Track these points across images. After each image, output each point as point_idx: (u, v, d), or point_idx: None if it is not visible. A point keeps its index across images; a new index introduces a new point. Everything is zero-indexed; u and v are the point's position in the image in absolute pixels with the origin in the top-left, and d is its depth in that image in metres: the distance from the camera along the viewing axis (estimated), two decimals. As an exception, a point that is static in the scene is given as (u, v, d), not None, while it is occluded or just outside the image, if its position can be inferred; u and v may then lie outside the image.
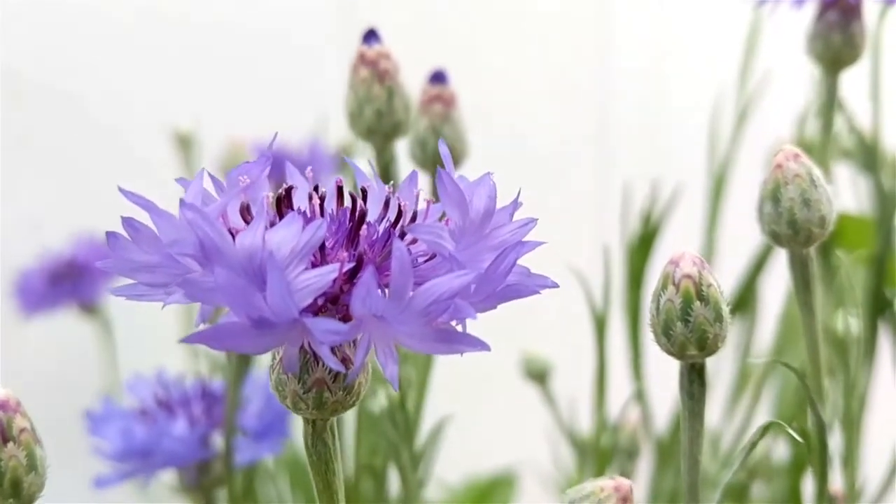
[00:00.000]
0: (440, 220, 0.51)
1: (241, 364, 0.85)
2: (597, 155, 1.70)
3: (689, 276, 0.57)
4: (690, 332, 0.57)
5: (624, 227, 1.08)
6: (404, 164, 0.82)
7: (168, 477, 0.95)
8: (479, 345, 0.45)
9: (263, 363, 0.95)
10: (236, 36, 1.55)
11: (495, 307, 0.47)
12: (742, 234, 1.11)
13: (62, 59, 1.47)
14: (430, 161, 0.81)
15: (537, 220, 0.48)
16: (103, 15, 1.48)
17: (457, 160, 0.82)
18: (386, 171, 0.78)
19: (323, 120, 1.28)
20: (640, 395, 1.05)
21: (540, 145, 1.65)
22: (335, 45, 1.51)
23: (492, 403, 1.51)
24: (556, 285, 0.49)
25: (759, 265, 1.13)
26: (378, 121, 0.76)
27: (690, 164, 1.22)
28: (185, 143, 1.28)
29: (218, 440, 0.90)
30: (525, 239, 0.48)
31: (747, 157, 1.15)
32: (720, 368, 1.18)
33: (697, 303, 0.56)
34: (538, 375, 1.13)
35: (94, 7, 1.48)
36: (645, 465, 1.12)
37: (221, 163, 1.20)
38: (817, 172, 0.64)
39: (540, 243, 0.48)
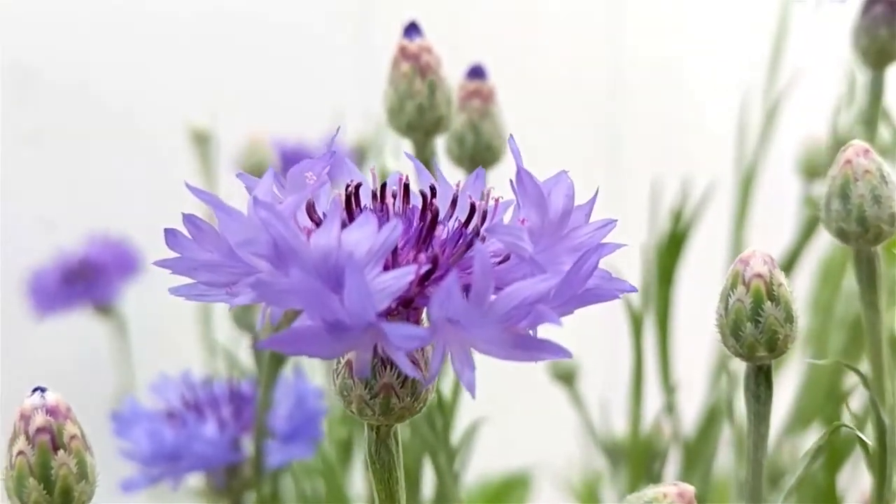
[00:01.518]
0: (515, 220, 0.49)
1: (273, 366, 0.83)
2: (611, 156, 1.69)
3: (759, 276, 0.55)
4: (760, 333, 0.55)
5: (652, 226, 1.07)
6: (440, 160, 0.80)
7: (194, 480, 0.93)
8: (561, 352, 0.44)
9: (292, 365, 0.93)
10: (253, 32, 1.53)
11: (573, 312, 0.46)
12: (770, 232, 1.10)
13: (76, 55, 1.45)
14: (468, 158, 0.80)
15: (617, 221, 0.47)
16: (118, 11, 1.47)
17: (496, 157, 0.80)
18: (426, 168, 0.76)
19: (339, 116, 1.26)
20: (670, 407, 1.03)
21: (554, 145, 1.63)
22: (352, 41, 1.50)
23: (512, 405, 1.50)
24: (634, 289, 0.47)
25: (788, 265, 1.11)
26: (420, 116, 0.74)
27: (714, 163, 1.20)
28: (201, 140, 1.25)
29: (247, 443, 0.88)
30: (604, 241, 0.46)
31: (776, 154, 1.14)
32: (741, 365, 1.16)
33: (768, 303, 0.55)
34: (565, 376, 1.12)
35: (109, 3, 1.46)
36: (671, 468, 1.11)
37: (239, 159, 1.18)
38: (887, 169, 0.62)
39: (619, 245, 0.46)
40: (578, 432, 1.13)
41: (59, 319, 1.37)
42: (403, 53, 0.74)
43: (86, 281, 1.35)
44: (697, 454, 1.11)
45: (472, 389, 0.43)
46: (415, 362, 0.47)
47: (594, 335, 1.22)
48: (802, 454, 0.62)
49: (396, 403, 0.48)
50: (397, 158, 0.87)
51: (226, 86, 1.50)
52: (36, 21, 1.44)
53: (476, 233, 0.47)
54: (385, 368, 0.47)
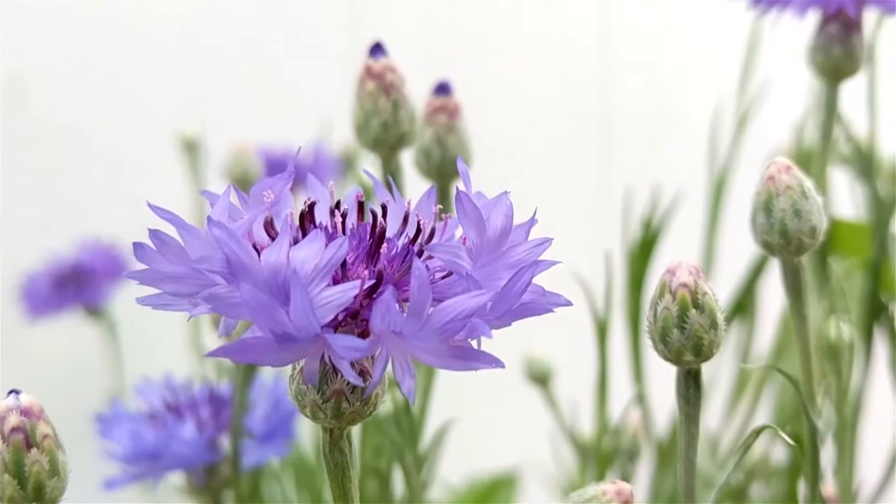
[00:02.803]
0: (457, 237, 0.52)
1: (248, 369, 0.87)
2: (598, 162, 1.72)
3: (685, 285, 0.58)
4: (686, 339, 0.58)
5: (625, 232, 1.10)
6: (409, 174, 0.83)
7: (176, 479, 0.96)
8: (494, 362, 0.47)
9: (269, 368, 0.96)
10: (243, 42, 1.56)
11: (510, 324, 0.49)
12: (741, 239, 1.12)
13: (68, 62, 1.48)
14: (435, 171, 0.82)
15: (552, 240, 0.50)
16: (109, 19, 1.49)
17: (461, 170, 0.83)
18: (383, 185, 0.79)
19: (327, 126, 1.29)
20: (640, 399, 1.07)
21: (541, 153, 1.66)
22: (339, 52, 1.53)
23: (494, 406, 1.53)
24: (569, 303, 0.50)
25: (757, 270, 1.15)
26: (384, 132, 0.78)
27: (691, 171, 1.24)
28: (190, 148, 1.28)
29: (225, 443, 0.91)
30: (540, 258, 0.49)
31: (747, 163, 1.17)
32: (719, 372, 1.19)
33: (693, 311, 0.58)
34: (540, 378, 1.15)
35: (100, 11, 1.49)
36: (645, 467, 1.14)
37: (227, 168, 1.21)
38: (808, 184, 0.65)
39: (554, 262, 0.49)
40: (553, 433, 1.16)
41: (51, 322, 1.40)
42: (369, 73, 0.77)
43: (77, 285, 1.38)
44: (671, 454, 1.14)
45: (411, 396, 0.47)
46: (363, 370, 0.50)
47: (571, 338, 1.25)
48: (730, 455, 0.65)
49: (347, 408, 0.51)
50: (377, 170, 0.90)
51: (215, 94, 1.52)
52: (29, 28, 1.46)
53: (419, 251, 0.51)
54: (336, 375, 0.50)
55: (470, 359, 0.47)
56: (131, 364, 1.36)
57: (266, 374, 0.95)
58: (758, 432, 0.62)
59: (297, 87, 1.56)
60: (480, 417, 1.37)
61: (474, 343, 0.48)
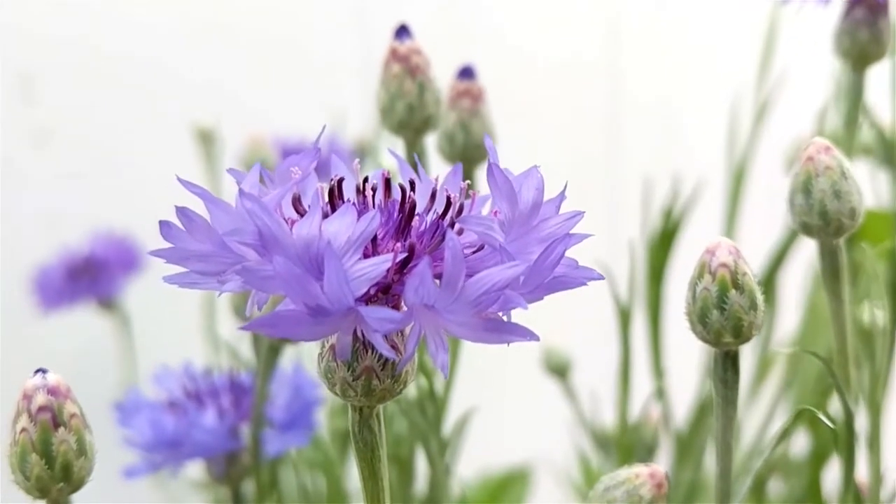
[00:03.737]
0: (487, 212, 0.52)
1: (270, 357, 0.86)
2: (615, 152, 1.71)
3: (725, 265, 0.58)
4: (726, 320, 0.58)
5: (644, 223, 1.09)
6: (432, 159, 0.83)
7: (195, 469, 0.95)
8: (528, 335, 0.46)
9: (290, 356, 0.96)
10: (256, 32, 1.56)
11: (542, 298, 0.48)
12: (761, 229, 1.12)
13: (80, 54, 1.47)
14: (459, 155, 0.82)
15: (584, 212, 0.49)
16: (122, 11, 1.49)
17: (485, 154, 0.82)
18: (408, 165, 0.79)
19: (341, 115, 1.29)
20: (660, 393, 1.06)
21: (556, 142, 1.66)
22: (354, 42, 1.52)
23: (510, 398, 1.52)
24: (601, 277, 0.50)
25: (778, 260, 1.14)
26: (410, 115, 0.77)
27: (710, 162, 1.23)
28: (206, 139, 1.28)
29: (246, 432, 0.91)
30: (571, 231, 0.49)
31: (766, 153, 1.16)
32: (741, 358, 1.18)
33: (733, 291, 0.58)
34: (559, 370, 1.14)
35: (113, 3, 1.49)
36: (664, 459, 1.13)
37: (242, 158, 1.20)
38: (847, 165, 0.65)
39: (586, 235, 0.49)
40: (570, 426, 1.16)
41: (65, 314, 1.39)
42: (394, 55, 0.77)
43: (90, 277, 1.38)
44: (690, 446, 1.14)
45: (444, 370, 0.46)
46: (394, 346, 0.50)
47: (590, 328, 1.24)
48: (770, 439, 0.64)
49: (377, 385, 0.50)
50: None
51: (229, 85, 1.52)
52: (41, 19, 1.46)
53: (451, 224, 0.50)
54: (366, 352, 0.50)
55: (504, 331, 0.46)
56: (144, 357, 1.35)
57: (286, 362, 0.94)
58: (796, 416, 0.61)
59: (310, 77, 1.56)
60: (498, 409, 1.36)
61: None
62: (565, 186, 0.51)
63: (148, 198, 1.41)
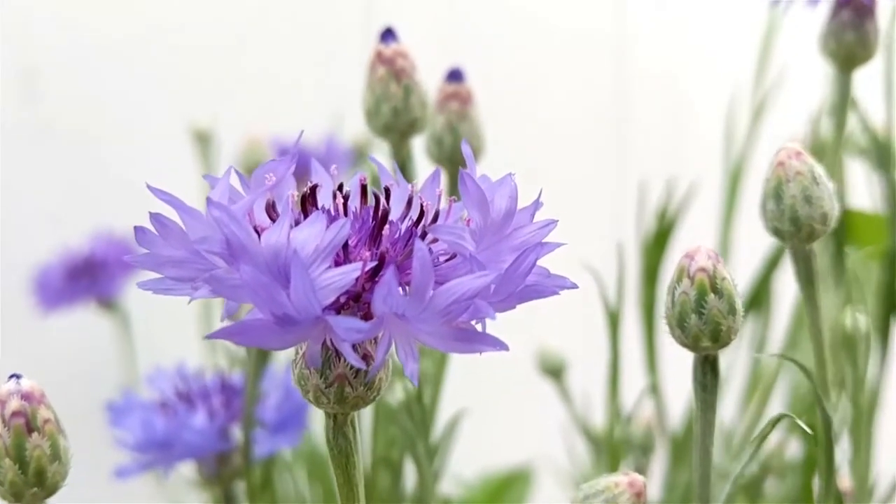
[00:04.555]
0: (462, 220, 0.51)
1: (260, 358, 0.86)
2: (613, 153, 1.71)
3: (703, 270, 0.58)
4: (704, 324, 0.58)
5: (639, 224, 1.09)
6: (420, 160, 0.83)
7: (187, 469, 0.96)
8: (498, 344, 0.46)
9: (282, 357, 0.96)
10: (255, 33, 1.56)
11: (514, 307, 0.48)
12: (757, 231, 1.11)
13: (80, 54, 1.48)
14: (447, 158, 0.82)
15: (557, 221, 0.49)
16: (122, 10, 1.49)
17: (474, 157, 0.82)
18: (403, 168, 0.79)
19: (339, 116, 1.29)
20: (654, 389, 1.06)
21: (556, 143, 1.66)
22: (351, 42, 1.52)
23: (507, 398, 1.52)
24: (574, 286, 0.50)
25: (773, 262, 1.13)
26: (395, 118, 0.77)
27: (706, 162, 1.23)
28: (203, 140, 1.28)
29: (237, 432, 0.91)
30: (545, 240, 0.49)
31: (762, 154, 1.16)
32: (734, 364, 1.18)
33: (712, 295, 0.58)
34: (553, 370, 1.14)
35: (112, 2, 1.49)
36: (660, 461, 1.13)
37: (240, 159, 1.21)
38: (819, 170, 0.64)
39: (559, 244, 0.49)
40: (566, 426, 1.16)
41: (64, 314, 1.40)
42: (379, 58, 0.77)
43: (90, 277, 1.38)
44: (685, 447, 1.13)
45: (414, 379, 0.46)
46: (367, 354, 0.50)
47: (585, 330, 1.24)
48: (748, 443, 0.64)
49: (350, 392, 0.50)
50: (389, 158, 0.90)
51: (227, 85, 1.52)
52: (41, 20, 1.46)
53: (423, 232, 0.50)
54: (339, 359, 0.50)
55: (473, 341, 0.46)
56: (144, 356, 1.36)
57: (278, 363, 0.94)
58: (775, 422, 0.61)
59: (308, 78, 1.56)
60: (492, 410, 1.36)
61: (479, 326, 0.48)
62: (540, 193, 0.51)
63: (148, 198, 1.42)
